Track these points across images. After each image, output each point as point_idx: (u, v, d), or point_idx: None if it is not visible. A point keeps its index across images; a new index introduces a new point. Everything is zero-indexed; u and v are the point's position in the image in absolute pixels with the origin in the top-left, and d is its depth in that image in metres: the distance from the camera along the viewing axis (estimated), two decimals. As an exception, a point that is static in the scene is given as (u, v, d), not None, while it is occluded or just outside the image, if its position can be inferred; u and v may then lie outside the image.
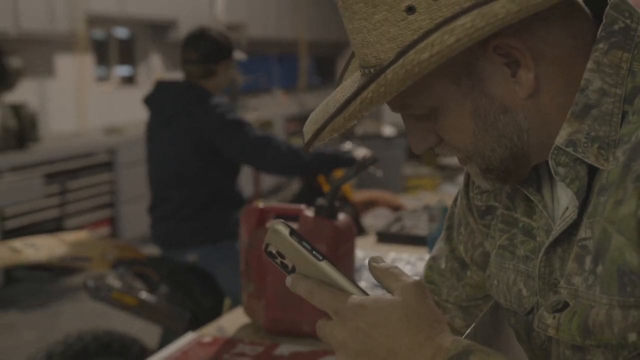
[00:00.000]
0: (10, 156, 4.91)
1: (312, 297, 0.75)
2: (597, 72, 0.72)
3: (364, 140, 6.76)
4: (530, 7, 0.66)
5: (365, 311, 0.72)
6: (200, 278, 2.78)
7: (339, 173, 3.19)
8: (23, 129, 5.12)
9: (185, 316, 2.64)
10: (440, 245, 1.07)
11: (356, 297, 0.73)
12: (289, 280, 0.77)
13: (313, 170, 2.84)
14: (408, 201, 3.60)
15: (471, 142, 0.78)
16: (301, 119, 8.43)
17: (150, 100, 2.88)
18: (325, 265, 0.75)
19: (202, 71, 2.80)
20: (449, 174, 6.79)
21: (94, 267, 2.60)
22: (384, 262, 0.78)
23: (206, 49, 2.79)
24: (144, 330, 3.46)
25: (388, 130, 8.01)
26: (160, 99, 2.83)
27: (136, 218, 5.84)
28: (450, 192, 3.04)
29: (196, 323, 2.46)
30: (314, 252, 0.75)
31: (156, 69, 7.40)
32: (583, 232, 0.72)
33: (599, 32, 0.73)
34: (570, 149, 0.72)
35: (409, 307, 0.72)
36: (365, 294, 0.75)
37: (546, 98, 0.74)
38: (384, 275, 0.76)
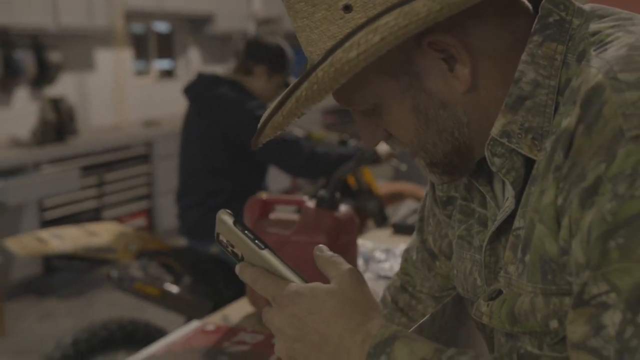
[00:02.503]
0: (49, 149, 5.04)
1: (255, 284, 0.78)
2: (531, 64, 0.72)
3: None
4: (452, 5, 0.67)
5: (300, 298, 0.74)
6: (223, 269, 2.82)
7: (366, 170, 3.20)
8: (62, 122, 5.25)
9: (207, 306, 2.68)
10: (413, 236, 1.08)
11: (294, 285, 0.76)
12: (237, 268, 0.80)
13: (325, 171, 2.89)
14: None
15: (414, 136, 0.79)
16: (338, 111, 8.44)
17: (188, 91, 2.95)
18: (266, 254, 0.77)
19: (242, 66, 2.88)
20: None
21: (118, 258, 2.66)
22: (329, 252, 0.80)
23: (253, 46, 2.89)
24: (176, 320, 3.53)
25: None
26: (197, 89, 2.90)
27: (172, 209, 5.92)
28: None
29: None
30: (256, 241, 0.78)
31: (194, 62, 7.50)
32: (517, 222, 0.73)
33: (534, 25, 0.74)
34: (504, 140, 0.73)
35: (343, 295, 0.74)
36: (305, 282, 0.77)
37: (484, 92, 0.75)
38: (326, 264, 0.78)
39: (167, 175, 5.88)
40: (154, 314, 4.01)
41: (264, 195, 1.73)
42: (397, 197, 3.31)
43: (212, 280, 2.76)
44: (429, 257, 1.04)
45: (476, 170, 0.83)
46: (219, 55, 7.84)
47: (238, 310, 1.78)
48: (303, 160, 2.74)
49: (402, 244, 2.24)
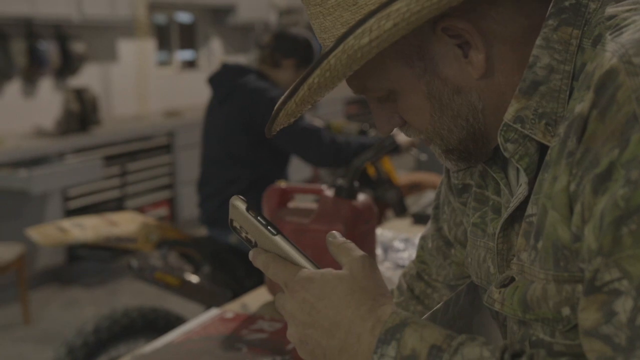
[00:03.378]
0: (73, 139, 5.09)
1: (267, 270, 0.78)
2: (545, 48, 0.71)
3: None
4: None
5: (312, 284, 0.74)
6: (243, 258, 2.83)
7: (386, 160, 3.20)
8: (85, 112, 5.29)
9: (227, 295, 2.70)
10: (429, 224, 1.08)
11: (305, 271, 0.76)
12: (250, 254, 0.80)
13: (346, 161, 2.89)
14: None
15: (429, 123, 0.78)
16: (360, 101, 8.42)
17: (212, 80, 2.97)
18: (279, 240, 0.78)
19: (269, 58, 2.91)
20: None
21: (139, 248, 2.68)
22: (341, 238, 0.80)
23: (281, 38, 2.91)
24: (190, 308, 3.56)
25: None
26: (221, 78, 2.92)
27: (193, 199, 5.96)
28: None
29: None
30: (269, 227, 0.78)
31: (217, 53, 7.52)
32: (530, 209, 0.73)
33: (549, 9, 0.73)
34: (518, 125, 0.73)
35: (354, 281, 0.74)
36: (317, 268, 0.77)
37: (500, 77, 0.75)
38: (338, 250, 0.78)
39: (188, 165, 5.91)
40: (175, 303, 4.04)
41: (282, 184, 1.74)
42: (416, 187, 3.30)
43: (231, 269, 2.77)
44: (444, 245, 1.04)
45: (491, 157, 0.82)
46: (241, 46, 7.85)
47: (257, 298, 1.79)
48: (324, 149, 2.74)
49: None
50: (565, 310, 0.68)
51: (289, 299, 0.76)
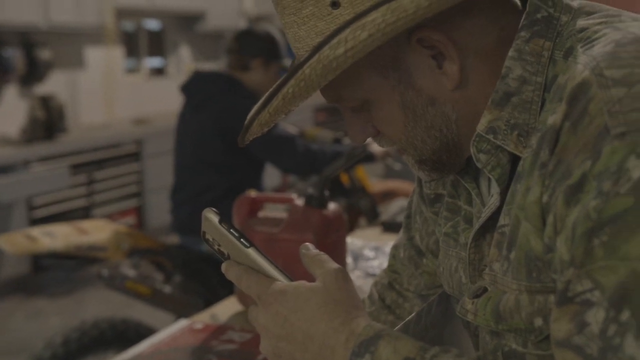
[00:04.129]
0: (39, 147, 5.02)
1: (240, 282, 0.77)
2: (518, 60, 0.72)
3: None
4: (441, 1, 0.67)
5: (285, 297, 0.74)
6: (216, 267, 2.81)
7: (359, 168, 3.20)
8: (51, 120, 5.22)
9: (198, 305, 2.67)
10: (400, 234, 1.08)
11: (279, 284, 0.75)
12: (223, 266, 0.79)
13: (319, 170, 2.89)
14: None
15: (402, 133, 0.78)
16: (329, 109, 8.43)
17: (185, 87, 2.94)
18: (251, 252, 0.77)
19: (238, 62, 2.87)
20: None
21: (110, 257, 2.64)
22: (314, 250, 0.79)
23: (246, 41, 2.88)
24: (162, 318, 3.52)
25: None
26: (194, 85, 2.90)
27: (162, 208, 5.90)
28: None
29: None
30: (241, 239, 0.77)
31: (186, 60, 7.48)
32: (502, 219, 0.73)
33: (521, 21, 0.73)
34: (490, 136, 0.73)
35: (327, 293, 0.74)
36: (290, 280, 0.76)
37: (473, 89, 0.75)
38: (311, 262, 0.78)
39: (157, 173, 5.87)
40: (144, 313, 3.99)
41: (252, 194, 1.73)
42: (389, 195, 3.30)
43: (204, 278, 2.75)
44: (416, 255, 1.04)
45: (463, 167, 0.82)
46: (211, 53, 7.82)
47: (227, 308, 1.77)
48: (298, 157, 2.73)
49: (391, 242, 2.23)
50: (538, 321, 0.68)
51: (262, 312, 0.76)
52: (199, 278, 2.72)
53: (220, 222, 0.78)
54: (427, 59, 0.74)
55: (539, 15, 0.72)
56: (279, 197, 1.76)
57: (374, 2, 0.69)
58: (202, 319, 1.71)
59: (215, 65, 7.87)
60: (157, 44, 7.34)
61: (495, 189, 0.75)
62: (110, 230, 2.73)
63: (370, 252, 2.04)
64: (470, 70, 0.74)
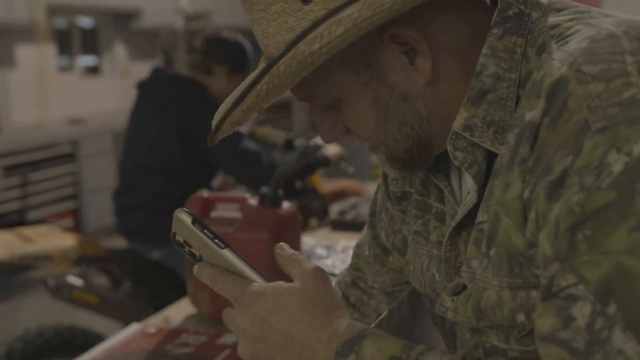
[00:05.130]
0: (-31, 148, 4.84)
1: (214, 284, 0.75)
2: (492, 57, 0.72)
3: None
4: None
5: (263, 298, 0.73)
6: (165, 273, 2.76)
7: (316, 176, 3.19)
8: (-18, 121, 5.05)
9: (148, 312, 2.62)
10: (364, 232, 1.07)
11: (256, 285, 0.74)
12: (195, 268, 0.77)
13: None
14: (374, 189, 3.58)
15: (374, 131, 0.78)
16: (269, 106, 8.39)
17: (143, 87, 2.84)
18: (227, 253, 0.75)
19: (202, 64, 2.79)
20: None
21: (56, 266, 2.56)
22: (290, 250, 0.78)
23: (215, 45, 2.79)
24: (109, 325, 3.44)
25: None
26: (154, 86, 2.80)
27: (99, 210, 5.79)
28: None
29: None
30: (216, 240, 0.75)
31: (121, 58, 7.32)
32: (480, 216, 0.73)
33: (493, 18, 0.73)
34: (467, 134, 0.73)
35: (306, 293, 0.73)
36: (267, 281, 0.75)
37: (445, 85, 0.75)
38: (287, 262, 0.77)
39: (93, 174, 5.74)
40: (89, 319, 3.89)
41: (204, 194, 1.70)
42: (339, 195, 3.30)
43: (153, 285, 2.69)
44: (382, 253, 1.04)
45: (433, 164, 0.82)
46: (146, 51, 7.68)
47: (179, 311, 1.74)
48: (264, 172, 2.66)
49: (342, 240, 2.23)
50: (520, 317, 0.68)
51: (239, 314, 0.74)
52: (148, 285, 2.66)
53: (194, 222, 0.76)
54: (399, 55, 0.74)
55: (510, 12, 0.73)
56: (231, 196, 1.73)
57: None
58: (154, 322, 1.67)
59: (151, 64, 7.74)
60: (91, 42, 7.16)
61: (472, 186, 0.75)
62: (55, 237, 2.63)
63: (323, 250, 2.04)
64: (441, 67, 0.74)
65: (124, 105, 7.31)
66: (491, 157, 0.73)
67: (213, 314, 1.65)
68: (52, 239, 2.60)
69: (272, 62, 0.70)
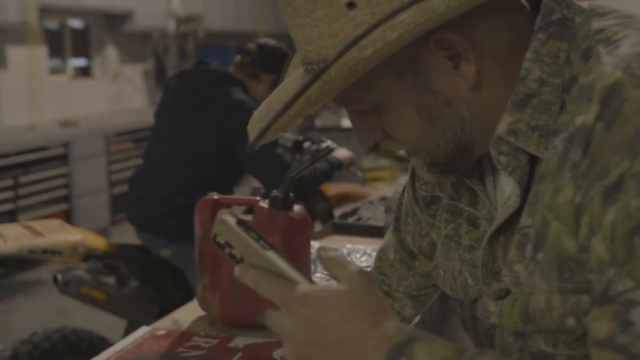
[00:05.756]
0: (-40, 150, 4.79)
1: (259, 286, 0.75)
2: (536, 61, 0.73)
3: (322, 132, 6.76)
4: (470, 1, 0.67)
5: (311, 300, 0.72)
6: (171, 272, 2.75)
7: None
8: (-27, 122, 5.00)
9: (153, 311, 2.62)
10: (389, 236, 1.08)
11: (303, 287, 0.74)
12: (237, 270, 0.77)
13: (313, 189, 2.87)
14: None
15: (416, 136, 0.78)
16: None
17: (185, 80, 2.82)
18: (272, 255, 0.75)
19: (249, 67, 2.81)
20: (407, 166, 6.82)
21: (64, 261, 2.53)
22: (333, 252, 0.78)
23: (266, 52, 2.82)
24: (106, 327, 3.42)
25: (347, 122, 8.02)
26: (199, 81, 2.77)
27: (91, 212, 5.76)
28: (407, 183, 3.05)
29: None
30: (261, 241, 0.75)
31: (112, 60, 7.29)
32: (524, 220, 0.73)
33: (537, 23, 0.74)
34: (511, 138, 0.73)
35: (354, 296, 0.72)
36: (312, 283, 0.75)
37: (488, 90, 0.75)
38: (332, 265, 0.76)
39: (85, 176, 5.71)
40: (78, 320, 3.87)
41: (215, 196, 1.69)
42: (344, 199, 3.31)
43: (158, 283, 2.69)
44: (408, 257, 1.04)
45: (469, 169, 0.82)
46: (138, 54, 7.65)
47: (188, 314, 1.73)
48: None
49: (347, 244, 2.24)
50: (570, 321, 0.69)
51: (287, 316, 0.73)
52: (154, 283, 2.65)
53: (238, 223, 0.75)
54: (444, 60, 0.74)
55: (554, 17, 0.73)
56: (242, 199, 1.73)
57: (399, 3, 0.68)
58: (163, 325, 1.66)
59: (143, 66, 7.72)
60: (82, 44, 7.13)
61: (513, 191, 0.75)
62: (65, 232, 2.58)
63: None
64: (485, 71, 0.75)
65: (115, 107, 7.29)
66: (533, 161, 0.74)
67: (223, 317, 1.64)
68: (61, 233, 2.56)
69: (324, 68, 0.70)
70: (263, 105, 0.81)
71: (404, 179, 3.55)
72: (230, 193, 2.82)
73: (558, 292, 0.69)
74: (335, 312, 0.72)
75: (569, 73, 0.72)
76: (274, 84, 2.82)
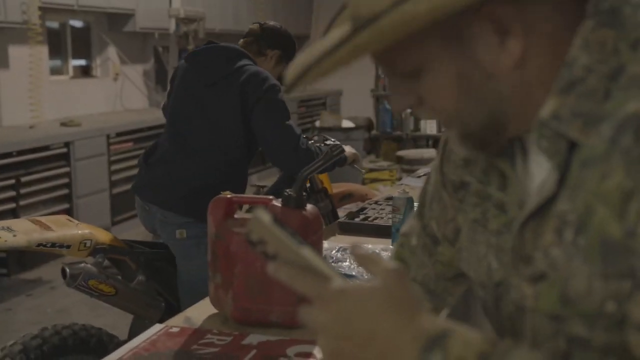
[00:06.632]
0: (-37, 148, 4.79)
1: (294, 282, 0.75)
2: (584, 48, 0.73)
3: (322, 132, 6.77)
4: None
5: (346, 295, 0.73)
6: (177, 268, 2.76)
7: (325, 177, 3.20)
8: (-24, 121, 5.00)
9: (160, 306, 2.63)
10: (411, 222, 1.09)
11: (338, 282, 0.75)
12: (271, 266, 0.78)
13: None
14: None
15: (452, 106, 0.79)
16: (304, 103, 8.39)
17: (199, 59, 2.86)
18: (307, 251, 0.76)
19: (254, 45, 2.92)
20: (407, 167, 6.84)
21: (72, 255, 2.54)
22: (365, 248, 0.79)
23: (271, 32, 2.95)
24: (109, 327, 3.43)
25: (347, 123, 8.05)
26: (214, 59, 2.82)
27: (92, 211, 5.76)
28: (411, 184, 3.06)
29: (170, 313, 2.44)
30: (296, 238, 0.76)
31: (113, 60, 7.29)
32: (563, 205, 0.74)
33: (587, 9, 0.75)
34: (554, 123, 0.74)
35: (388, 292, 0.73)
36: (346, 280, 0.76)
37: (531, 71, 0.76)
38: (366, 261, 0.77)
39: (87, 175, 5.71)
40: (79, 318, 3.88)
41: (228, 195, 1.70)
42: (348, 197, 3.32)
43: (165, 278, 2.70)
44: (431, 243, 1.05)
45: (501, 153, 0.83)
46: (139, 54, 7.66)
47: (200, 311, 1.75)
48: (299, 154, 2.71)
49: (363, 246, 2.24)
50: (610, 305, 0.69)
51: (322, 312, 0.74)
52: (160, 278, 2.67)
53: (274, 221, 0.77)
54: (492, 34, 0.75)
55: (604, 6, 0.74)
56: (255, 198, 1.74)
57: None
58: (176, 322, 1.68)
59: (144, 67, 7.72)
60: (84, 44, 7.13)
61: (550, 176, 0.75)
62: (73, 227, 2.59)
63: (337, 253, 2.05)
64: (530, 51, 0.75)
65: (116, 107, 7.29)
66: (570, 147, 0.74)
67: (236, 315, 1.66)
68: (69, 227, 2.57)
69: (376, 17, 0.70)
70: (304, 55, 0.80)
71: (405, 180, 3.56)
72: (246, 176, 2.84)
73: (600, 276, 0.70)
74: (371, 308, 0.73)
75: (616, 61, 0.72)
76: (280, 59, 2.93)
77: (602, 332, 0.71)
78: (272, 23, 3.03)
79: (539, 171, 0.79)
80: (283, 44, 2.96)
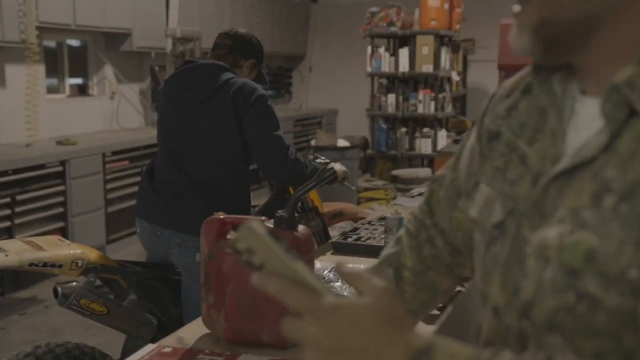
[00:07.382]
0: (-41, 167, 4.80)
1: (284, 294, 0.75)
2: None
3: (318, 151, 6.80)
4: None
5: (340, 311, 0.74)
6: (169, 287, 2.77)
7: (315, 195, 3.22)
8: (-28, 140, 5.01)
9: (152, 325, 2.64)
10: (444, 172, 1.12)
11: (330, 297, 0.75)
12: (259, 277, 0.76)
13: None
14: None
15: None
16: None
17: (187, 79, 2.91)
18: (300, 265, 0.76)
19: (231, 59, 2.98)
20: (402, 186, 6.86)
21: (64, 274, 2.55)
22: (351, 267, 0.81)
23: (240, 40, 3.02)
24: (101, 346, 3.42)
25: (342, 142, 8.07)
26: (199, 76, 2.88)
27: (87, 229, 5.76)
28: (405, 204, 3.08)
29: (163, 332, 2.45)
30: (290, 252, 0.77)
31: (109, 79, 7.33)
32: (609, 172, 0.76)
33: None
34: (626, 90, 0.75)
35: (380, 310, 0.75)
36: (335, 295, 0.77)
37: (633, 17, 0.77)
38: (354, 279, 0.79)
39: (82, 194, 5.71)
40: (74, 337, 3.87)
41: (221, 215, 1.72)
42: (338, 216, 3.34)
43: (156, 297, 2.71)
44: (455, 196, 1.08)
45: (549, 105, 0.86)
46: (135, 73, 7.69)
47: (192, 331, 1.76)
48: (288, 163, 2.79)
49: (348, 264, 2.25)
50: (634, 272, 0.72)
51: (313, 325, 0.74)
52: (152, 298, 2.67)
53: (268, 233, 0.77)
54: None
55: None
56: (247, 219, 1.75)
57: None
58: (168, 342, 1.69)
59: (140, 86, 7.75)
60: (80, 63, 7.16)
61: (601, 141, 0.77)
62: (65, 247, 2.61)
63: (330, 273, 2.06)
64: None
65: (112, 126, 7.31)
66: (629, 118, 0.76)
67: (227, 335, 1.67)
68: (61, 247, 2.59)
69: None
70: None
71: (399, 200, 3.54)
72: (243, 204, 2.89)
73: (634, 243, 0.72)
74: (365, 324, 0.74)
75: None
76: (254, 67, 3.02)
77: (616, 295, 0.73)
78: (240, 32, 3.09)
79: (577, 134, 0.82)
80: (255, 51, 3.05)
